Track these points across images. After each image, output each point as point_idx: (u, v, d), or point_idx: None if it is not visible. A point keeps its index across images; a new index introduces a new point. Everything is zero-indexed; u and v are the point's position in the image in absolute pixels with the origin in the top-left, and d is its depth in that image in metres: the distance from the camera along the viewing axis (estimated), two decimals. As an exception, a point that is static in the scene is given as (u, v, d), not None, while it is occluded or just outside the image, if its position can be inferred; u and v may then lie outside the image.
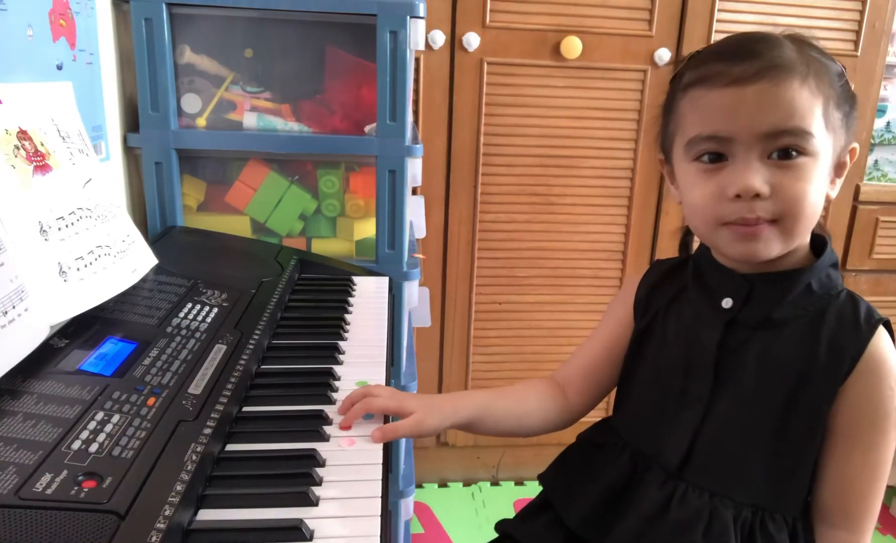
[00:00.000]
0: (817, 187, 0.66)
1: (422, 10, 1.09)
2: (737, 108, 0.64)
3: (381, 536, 0.56)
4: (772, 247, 0.67)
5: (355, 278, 1.11)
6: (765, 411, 0.70)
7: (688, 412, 0.73)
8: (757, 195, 0.64)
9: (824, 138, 0.65)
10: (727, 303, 0.72)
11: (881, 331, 0.68)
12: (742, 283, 0.71)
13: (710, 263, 0.75)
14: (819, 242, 0.73)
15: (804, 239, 0.70)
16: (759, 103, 0.64)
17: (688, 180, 0.70)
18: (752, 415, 0.70)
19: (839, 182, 0.71)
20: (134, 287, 0.84)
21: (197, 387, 0.68)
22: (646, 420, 0.78)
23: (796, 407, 0.68)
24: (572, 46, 1.55)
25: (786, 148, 0.64)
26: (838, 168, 0.70)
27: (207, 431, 0.62)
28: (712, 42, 0.70)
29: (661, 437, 0.75)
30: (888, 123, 1.86)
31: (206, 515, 0.56)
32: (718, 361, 0.72)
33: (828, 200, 0.69)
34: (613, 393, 0.85)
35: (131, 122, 1.13)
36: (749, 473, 0.71)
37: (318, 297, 1.04)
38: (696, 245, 0.80)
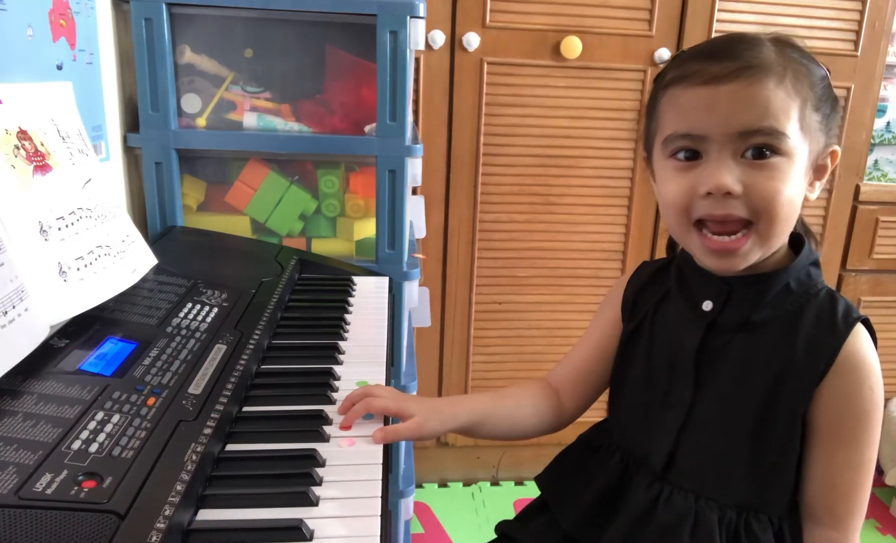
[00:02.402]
0: (792, 188, 0.65)
1: (422, 10, 1.09)
2: (711, 106, 0.64)
3: (381, 536, 0.56)
4: (750, 257, 0.67)
5: (355, 278, 1.11)
6: (744, 412, 0.70)
7: (671, 415, 0.74)
8: (728, 194, 0.64)
9: (799, 140, 0.65)
10: (707, 306, 0.72)
11: (859, 329, 0.68)
12: (721, 286, 0.71)
13: (692, 265, 0.75)
14: (797, 241, 0.73)
15: (782, 241, 0.69)
16: (733, 102, 0.64)
17: (664, 177, 0.70)
18: (732, 416, 0.70)
19: (819, 185, 0.70)
20: (134, 287, 0.84)
21: (197, 387, 0.68)
22: (636, 422, 0.78)
23: (775, 407, 0.69)
24: (572, 46, 1.55)
25: (759, 147, 0.64)
26: (818, 171, 0.70)
27: (207, 431, 0.61)
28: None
29: (649, 440, 0.75)
30: (888, 123, 1.86)
31: (206, 515, 0.56)
32: (699, 363, 0.72)
33: (807, 202, 0.69)
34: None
35: (131, 122, 1.13)
36: (732, 474, 0.71)
37: (318, 297, 1.04)
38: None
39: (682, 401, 0.73)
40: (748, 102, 0.63)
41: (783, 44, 0.67)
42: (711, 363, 0.72)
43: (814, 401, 0.68)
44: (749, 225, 0.65)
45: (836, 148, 0.70)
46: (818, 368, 0.67)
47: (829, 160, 0.70)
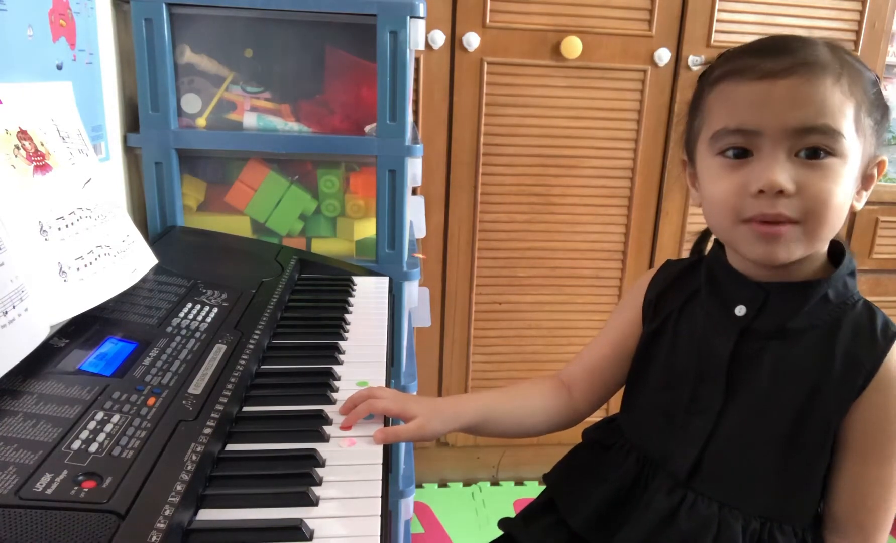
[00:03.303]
0: (844, 190, 0.64)
1: (422, 10, 1.09)
2: (766, 101, 0.63)
3: (381, 536, 0.56)
4: (793, 250, 0.65)
5: (355, 278, 1.11)
6: (777, 421, 0.68)
7: (698, 421, 0.72)
8: (781, 192, 0.62)
9: (854, 142, 0.64)
10: (741, 310, 0.70)
11: None
12: (757, 291, 0.70)
13: (724, 268, 0.73)
14: (836, 249, 0.71)
15: (825, 244, 0.68)
16: (790, 98, 0.62)
17: (710, 175, 0.68)
18: (764, 426, 0.69)
19: (866, 195, 0.69)
20: (134, 287, 0.84)
21: (197, 387, 0.68)
22: (654, 425, 0.77)
23: (809, 418, 0.67)
24: (572, 46, 1.55)
25: (814, 147, 0.62)
26: (866, 180, 0.68)
27: (207, 431, 0.62)
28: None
29: (670, 444, 0.74)
30: (888, 124, 1.86)
31: (206, 515, 0.56)
32: (731, 369, 0.70)
33: (853, 211, 0.68)
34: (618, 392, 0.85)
35: (131, 122, 1.13)
36: (759, 483, 0.70)
37: (318, 297, 1.04)
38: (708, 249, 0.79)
39: (710, 408, 0.71)
40: (805, 99, 0.62)
41: (836, 47, 0.66)
42: (743, 370, 0.70)
43: (849, 415, 0.66)
44: (796, 223, 0.64)
45: (884, 157, 0.69)
46: (857, 382, 0.66)
47: (876, 170, 0.69)
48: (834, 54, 0.64)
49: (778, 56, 0.63)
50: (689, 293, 0.77)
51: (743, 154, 0.65)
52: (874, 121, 0.66)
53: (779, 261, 0.66)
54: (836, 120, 0.62)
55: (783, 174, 0.62)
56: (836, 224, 0.65)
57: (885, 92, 0.68)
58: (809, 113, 0.62)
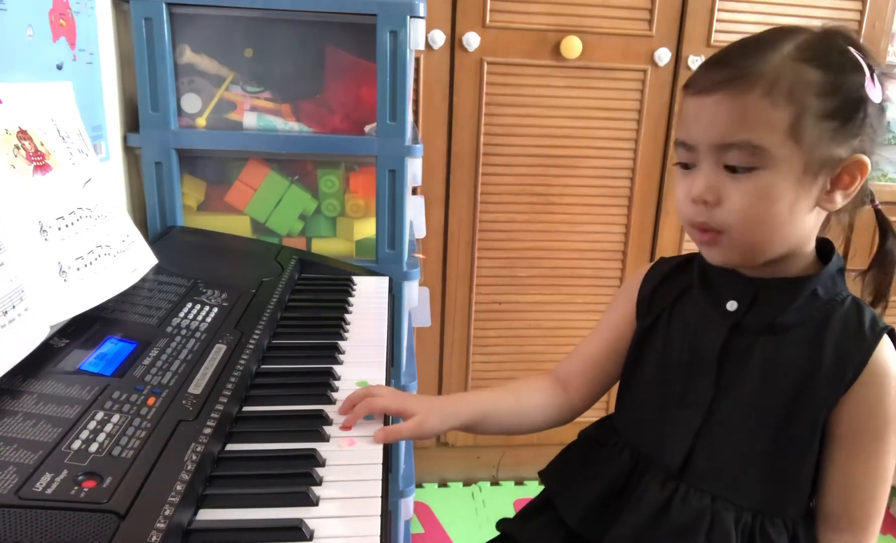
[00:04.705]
0: (773, 201, 0.64)
1: (422, 10, 1.09)
2: (697, 116, 0.66)
3: (381, 536, 0.56)
4: (728, 256, 0.69)
5: (355, 278, 1.11)
6: (766, 415, 0.69)
7: (688, 415, 0.73)
8: (705, 202, 0.66)
9: (789, 150, 0.62)
10: (732, 305, 0.71)
11: (886, 340, 0.68)
12: (748, 286, 0.71)
13: (716, 265, 0.74)
14: (826, 247, 0.72)
15: (773, 251, 0.68)
16: (713, 115, 0.64)
17: (675, 181, 0.73)
18: (753, 419, 0.70)
19: (840, 195, 0.67)
20: (134, 287, 0.84)
21: (197, 387, 0.68)
22: (647, 420, 0.78)
23: (798, 412, 0.68)
24: (572, 46, 1.55)
25: (734, 161, 0.64)
26: (836, 181, 0.66)
27: (207, 431, 0.62)
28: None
29: (662, 438, 0.75)
30: (888, 123, 1.86)
31: (206, 515, 0.56)
32: (721, 364, 0.72)
33: (827, 212, 0.68)
34: (615, 390, 0.85)
35: (131, 122, 1.13)
36: (750, 477, 0.71)
37: (318, 297, 1.04)
38: None
39: (701, 401, 0.73)
40: (725, 115, 0.64)
41: (808, 46, 0.65)
42: (734, 365, 0.71)
43: (837, 409, 0.68)
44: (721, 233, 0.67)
45: (860, 157, 0.65)
46: (845, 377, 0.67)
47: (856, 172, 0.66)
48: (789, 59, 0.63)
49: (719, 68, 0.65)
50: (682, 289, 0.78)
51: (690, 164, 0.69)
52: (837, 123, 0.63)
53: (716, 263, 0.71)
54: (755, 134, 0.62)
55: (705, 185, 0.66)
56: (768, 235, 0.66)
57: (875, 88, 0.66)
58: (728, 129, 0.64)
